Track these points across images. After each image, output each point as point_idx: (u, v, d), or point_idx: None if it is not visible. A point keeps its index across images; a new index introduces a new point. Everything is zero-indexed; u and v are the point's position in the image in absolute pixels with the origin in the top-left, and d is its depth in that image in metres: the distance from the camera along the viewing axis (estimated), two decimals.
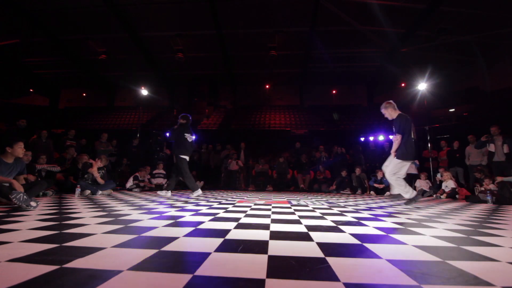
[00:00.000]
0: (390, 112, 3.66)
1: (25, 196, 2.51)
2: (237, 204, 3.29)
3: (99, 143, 8.04)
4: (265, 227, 1.73)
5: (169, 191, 4.88)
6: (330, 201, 4.33)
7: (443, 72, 13.03)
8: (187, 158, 4.74)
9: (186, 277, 0.81)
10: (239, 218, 2.08)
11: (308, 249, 1.17)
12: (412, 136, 3.48)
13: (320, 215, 2.43)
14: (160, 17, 11.73)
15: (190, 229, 1.62)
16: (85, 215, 2.11)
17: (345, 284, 0.78)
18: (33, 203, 2.53)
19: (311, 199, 4.69)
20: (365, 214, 2.54)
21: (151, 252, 1.08)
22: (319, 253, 1.11)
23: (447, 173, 6.28)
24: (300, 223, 1.92)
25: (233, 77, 16.65)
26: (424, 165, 8.51)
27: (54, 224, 1.69)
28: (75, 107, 17.91)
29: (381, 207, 3.32)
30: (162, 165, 7.78)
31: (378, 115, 5.72)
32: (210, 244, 1.24)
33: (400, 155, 3.44)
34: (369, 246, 1.26)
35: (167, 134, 4.95)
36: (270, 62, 14.54)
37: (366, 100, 17.22)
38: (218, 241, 1.30)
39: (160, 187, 6.72)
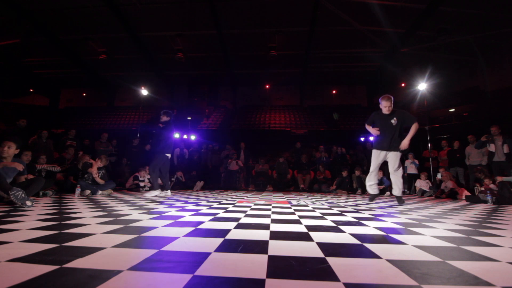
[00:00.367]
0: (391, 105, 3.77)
1: (23, 195, 2.58)
2: (237, 204, 3.29)
3: (99, 143, 8.04)
4: (265, 227, 1.72)
5: (169, 191, 4.90)
6: (330, 201, 4.33)
7: (443, 72, 13.02)
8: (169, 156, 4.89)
9: (186, 277, 0.81)
10: (239, 218, 2.08)
11: (308, 249, 1.17)
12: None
13: (320, 215, 2.43)
14: (160, 17, 11.72)
15: (190, 229, 1.61)
16: (85, 215, 2.11)
17: (345, 284, 0.78)
18: (28, 202, 2.60)
19: (311, 199, 4.69)
20: (365, 214, 2.54)
21: (151, 252, 1.08)
22: (319, 253, 1.11)
23: (447, 173, 6.28)
24: (300, 223, 1.92)
25: (233, 77, 16.63)
26: (424, 165, 8.51)
27: (54, 224, 1.69)
28: (75, 107, 17.88)
29: (381, 207, 3.32)
30: None
31: None
32: (210, 244, 1.24)
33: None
34: (369, 246, 1.26)
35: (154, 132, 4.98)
36: (270, 62, 14.53)
37: (366, 100, 17.21)
38: (218, 241, 1.30)
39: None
